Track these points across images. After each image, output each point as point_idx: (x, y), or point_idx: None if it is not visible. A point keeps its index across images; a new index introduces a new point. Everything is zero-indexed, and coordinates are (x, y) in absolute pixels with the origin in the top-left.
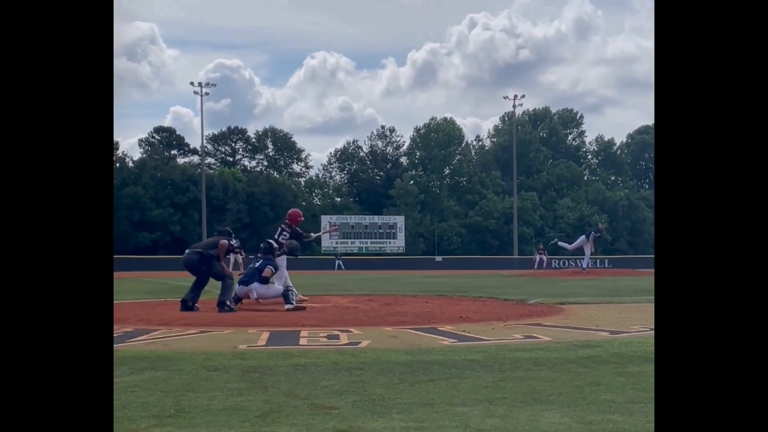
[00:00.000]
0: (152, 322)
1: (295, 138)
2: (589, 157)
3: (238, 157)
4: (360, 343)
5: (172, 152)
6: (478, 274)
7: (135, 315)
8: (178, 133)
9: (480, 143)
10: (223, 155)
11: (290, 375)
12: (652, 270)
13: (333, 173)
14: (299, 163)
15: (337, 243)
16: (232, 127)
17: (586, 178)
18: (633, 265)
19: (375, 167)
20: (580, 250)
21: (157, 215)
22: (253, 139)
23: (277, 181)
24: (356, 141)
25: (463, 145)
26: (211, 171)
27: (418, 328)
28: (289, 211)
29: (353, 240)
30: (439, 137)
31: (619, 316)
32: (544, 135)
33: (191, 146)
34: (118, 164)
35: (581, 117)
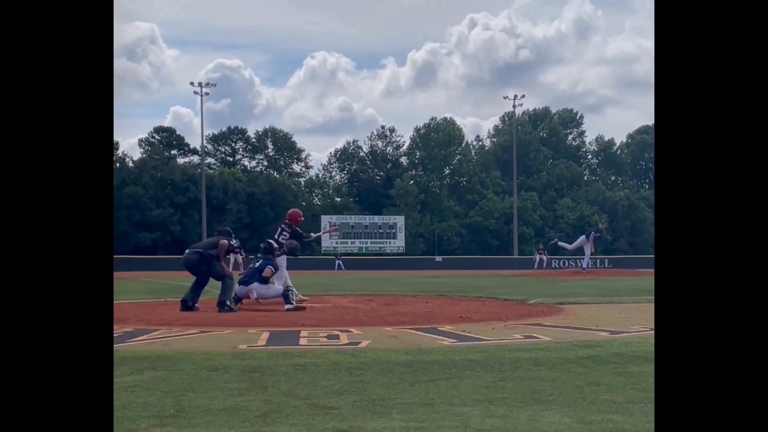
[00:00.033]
0: (152, 322)
1: (295, 138)
2: (589, 157)
3: (238, 157)
4: (360, 343)
5: (172, 152)
6: (478, 274)
7: (135, 315)
8: (178, 133)
9: (480, 143)
10: (223, 155)
11: (290, 375)
12: (652, 270)
13: (333, 173)
14: (299, 163)
15: (337, 243)
16: (232, 127)
17: (586, 178)
18: (633, 265)
19: (375, 167)
20: (580, 250)
21: (157, 215)
22: (253, 139)
23: (277, 181)
24: (356, 141)
25: (463, 145)
26: (211, 171)
27: (418, 328)
28: (289, 211)
29: (353, 240)
30: (439, 137)
31: (619, 316)
32: (544, 135)
33: (191, 146)
34: (118, 164)
35: (581, 117)
